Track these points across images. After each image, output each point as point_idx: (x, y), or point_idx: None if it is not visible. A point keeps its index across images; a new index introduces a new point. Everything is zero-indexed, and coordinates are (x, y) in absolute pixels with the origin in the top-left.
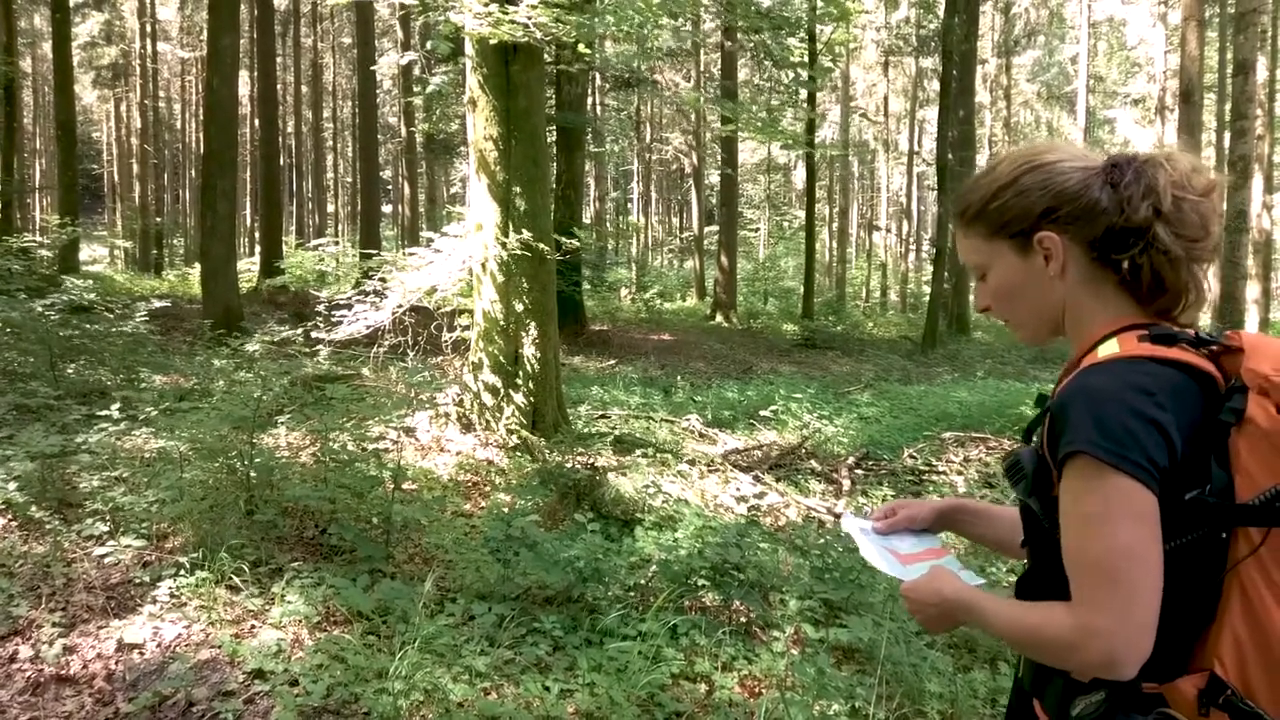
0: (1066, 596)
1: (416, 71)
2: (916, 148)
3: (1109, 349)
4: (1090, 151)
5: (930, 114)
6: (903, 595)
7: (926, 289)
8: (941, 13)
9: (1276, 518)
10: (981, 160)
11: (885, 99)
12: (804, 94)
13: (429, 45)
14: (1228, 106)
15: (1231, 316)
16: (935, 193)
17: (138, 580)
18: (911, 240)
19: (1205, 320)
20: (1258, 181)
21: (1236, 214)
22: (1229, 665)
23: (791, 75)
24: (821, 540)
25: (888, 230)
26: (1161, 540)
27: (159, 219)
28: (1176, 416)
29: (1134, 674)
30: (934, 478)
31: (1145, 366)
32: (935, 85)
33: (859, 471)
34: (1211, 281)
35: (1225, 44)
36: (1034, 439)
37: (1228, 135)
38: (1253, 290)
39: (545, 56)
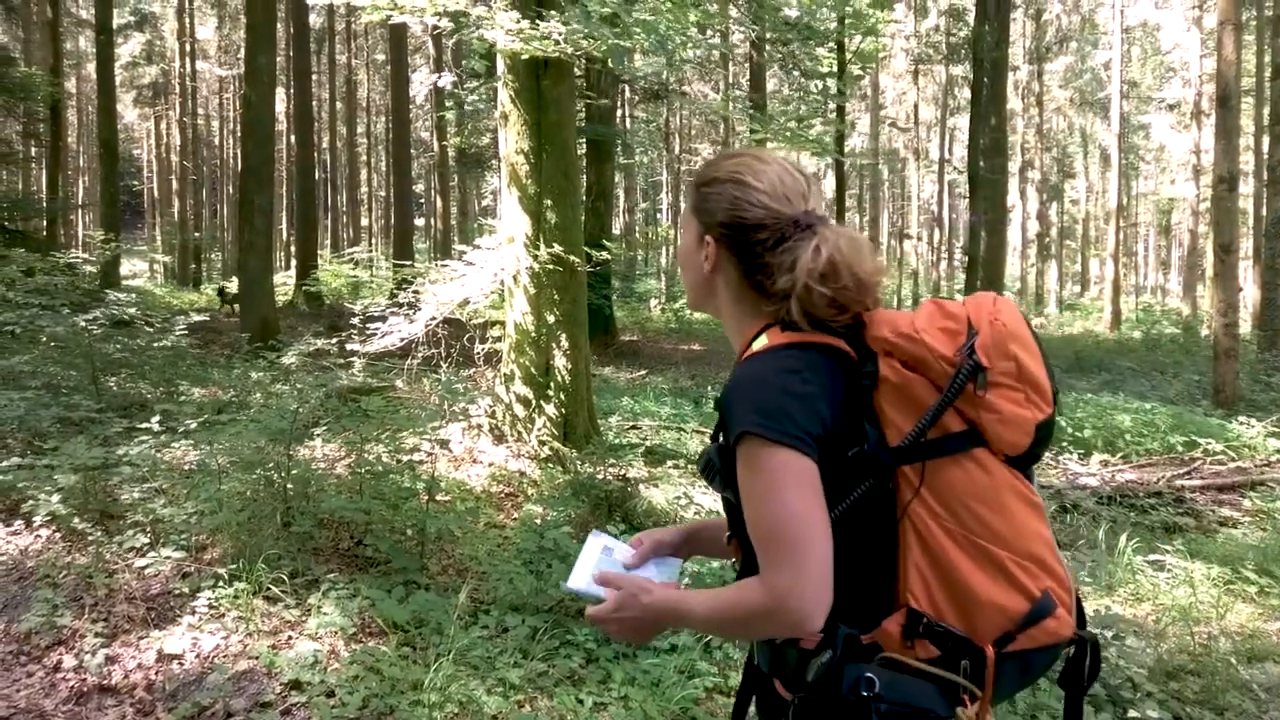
0: None
1: (449, 88)
2: (947, 155)
3: (760, 344)
4: (809, 191)
5: (961, 121)
6: (594, 620)
7: (959, 297)
8: (971, 20)
9: (923, 452)
10: (1014, 168)
11: (915, 107)
12: (833, 103)
13: (463, 66)
14: (1266, 110)
15: (1273, 323)
16: (967, 201)
17: (177, 591)
18: (943, 248)
19: (1245, 328)
20: None
21: (1276, 220)
22: (920, 597)
23: (820, 85)
24: None
25: (919, 238)
26: (825, 500)
27: (198, 234)
28: (822, 389)
29: (821, 624)
30: None
31: (789, 351)
32: (966, 93)
33: None
34: (1251, 287)
35: (1263, 47)
36: (720, 437)
37: (1266, 139)
38: None
39: (575, 70)
